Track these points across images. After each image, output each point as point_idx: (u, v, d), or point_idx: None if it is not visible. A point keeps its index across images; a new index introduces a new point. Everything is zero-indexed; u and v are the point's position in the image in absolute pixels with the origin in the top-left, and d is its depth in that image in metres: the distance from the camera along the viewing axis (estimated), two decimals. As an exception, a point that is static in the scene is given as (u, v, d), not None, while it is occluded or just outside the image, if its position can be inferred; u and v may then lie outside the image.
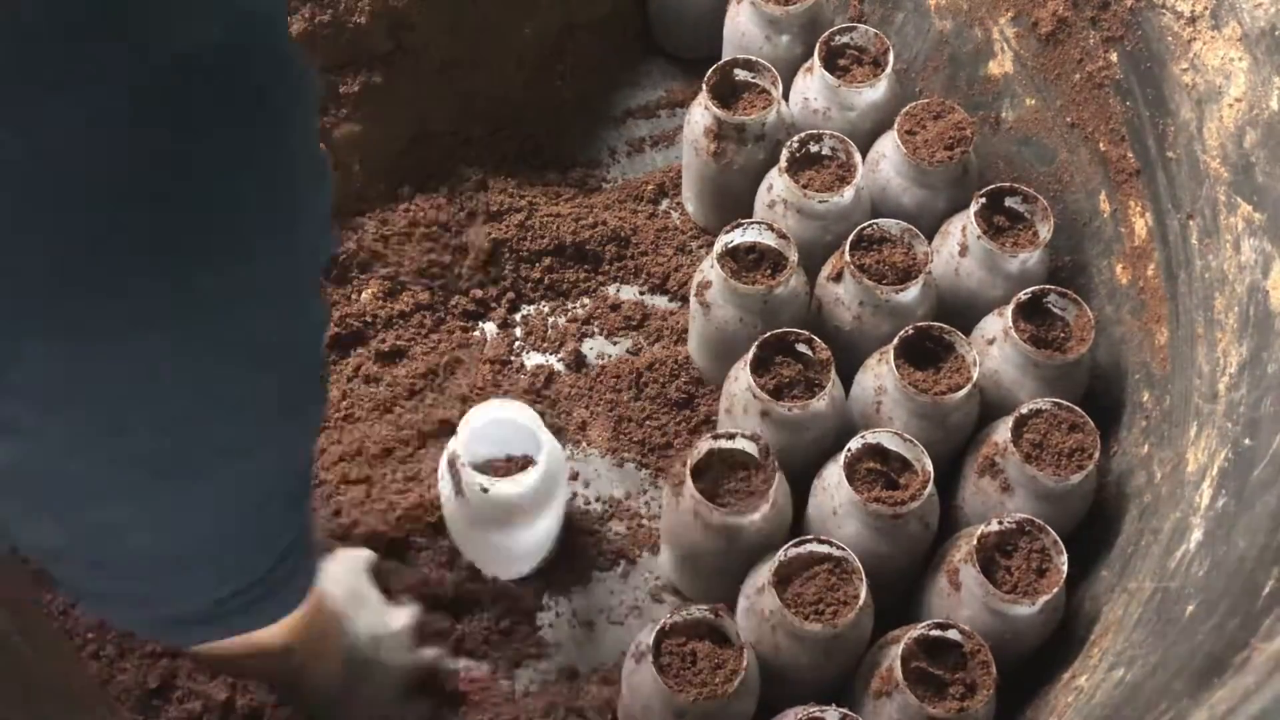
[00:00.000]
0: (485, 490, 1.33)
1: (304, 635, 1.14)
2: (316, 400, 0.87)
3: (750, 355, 1.39)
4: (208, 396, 0.73)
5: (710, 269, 1.49)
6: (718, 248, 1.49)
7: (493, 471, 1.43)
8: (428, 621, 1.42)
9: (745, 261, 1.50)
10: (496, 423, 1.41)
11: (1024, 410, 1.35)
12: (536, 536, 1.45)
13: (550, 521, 1.45)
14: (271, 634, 1.07)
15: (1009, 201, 1.51)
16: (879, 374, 1.41)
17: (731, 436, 1.34)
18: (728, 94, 1.63)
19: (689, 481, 1.31)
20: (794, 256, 1.47)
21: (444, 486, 1.41)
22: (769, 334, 1.41)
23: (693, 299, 1.54)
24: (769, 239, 1.49)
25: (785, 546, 1.27)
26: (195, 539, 0.82)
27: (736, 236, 1.50)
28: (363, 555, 1.41)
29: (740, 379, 1.40)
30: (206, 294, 0.67)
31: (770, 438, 1.36)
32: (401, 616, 1.38)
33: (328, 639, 1.25)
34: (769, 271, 1.49)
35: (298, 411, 0.83)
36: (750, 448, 1.34)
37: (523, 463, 1.44)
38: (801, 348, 1.41)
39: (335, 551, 1.39)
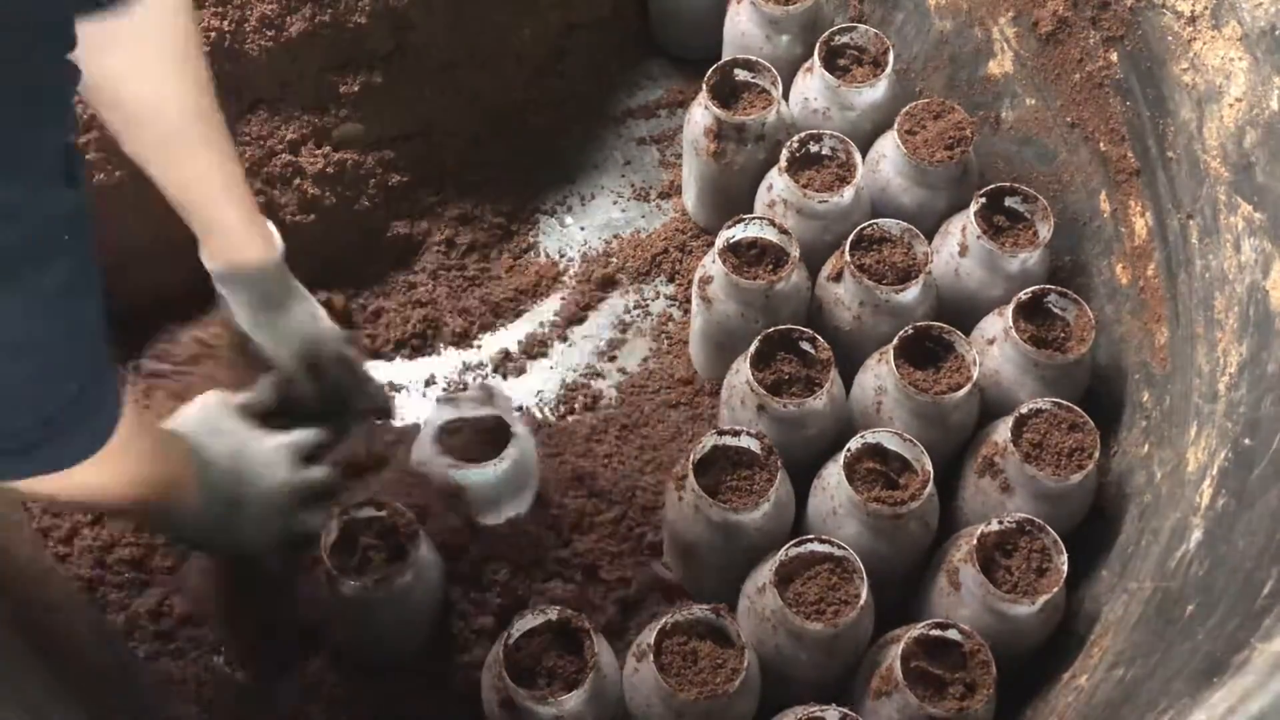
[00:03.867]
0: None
1: (150, 481, 1.18)
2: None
3: (753, 349, 1.40)
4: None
5: (712, 264, 1.50)
6: (719, 243, 1.49)
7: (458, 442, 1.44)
8: (307, 439, 1.42)
9: (747, 257, 1.51)
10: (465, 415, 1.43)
11: (1024, 410, 1.35)
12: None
13: (521, 508, 1.47)
14: (114, 484, 1.12)
15: (1009, 201, 1.51)
16: (879, 374, 1.42)
17: (736, 434, 1.34)
18: (728, 94, 1.63)
19: (690, 476, 1.31)
20: (795, 252, 1.47)
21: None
22: (772, 329, 1.41)
23: (694, 294, 1.54)
24: (770, 234, 1.50)
25: (786, 546, 1.27)
26: None
27: (738, 232, 1.50)
28: (216, 396, 1.40)
29: (741, 372, 1.41)
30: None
31: (767, 433, 1.36)
32: (272, 438, 1.39)
33: (178, 477, 1.26)
34: (770, 267, 1.49)
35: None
36: (754, 446, 1.34)
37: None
38: (805, 345, 1.42)
39: (192, 399, 1.40)
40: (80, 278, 0.87)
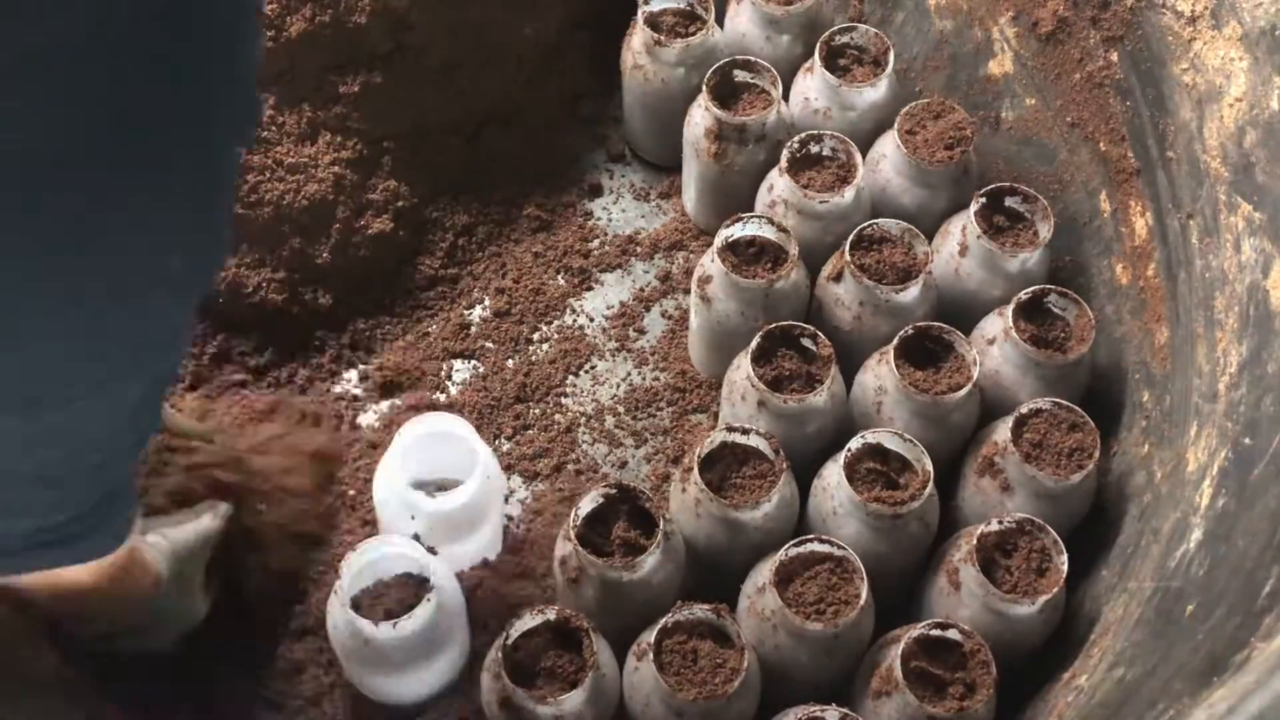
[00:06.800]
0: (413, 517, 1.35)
1: (112, 583, 1.16)
2: (173, 350, 0.89)
3: (754, 345, 1.40)
4: (61, 327, 0.75)
5: (711, 263, 1.50)
6: (718, 242, 1.49)
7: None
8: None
9: (745, 255, 1.51)
10: (431, 437, 1.40)
11: (1024, 410, 1.35)
12: (476, 546, 1.45)
13: (486, 533, 1.45)
14: (77, 574, 1.11)
15: (1009, 201, 1.51)
16: (879, 374, 1.42)
17: (746, 432, 1.34)
18: (728, 95, 1.63)
19: (695, 471, 1.31)
20: (794, 250, 1.47)
21: (380, 500, 1.42)
22: (773, 325, 1.41)
23: (693, 293, 1.54)
24: (769, 233, 1.50)
25: (786, 546, 1.27)
26: (18, 470, 0.85)
27: (737, 230, 1.50)
28: (202, 531, 1.35)
29: (742, 367, 1.41)
30: (82, 227, 0.70)
31: (768, 429, 1.36)
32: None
33: (135, 592, 1.23)
34: (769, 265, 1.49)
35: (151, 360, 0.86)
36: (763, 445, 1.34)
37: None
38: (805, 342, 1.42)
39: (173, 516, 1.34)
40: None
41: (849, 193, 1.51)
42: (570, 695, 1.19)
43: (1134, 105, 1.43)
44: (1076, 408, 1.36)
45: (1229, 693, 0.91)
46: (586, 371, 1.68)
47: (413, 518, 1.36)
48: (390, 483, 1.38)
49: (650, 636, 1.24)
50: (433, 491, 1.38)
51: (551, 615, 1.25)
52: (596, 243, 1.78)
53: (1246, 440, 1.15)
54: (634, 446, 1.62)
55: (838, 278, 1.48)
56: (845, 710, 1.21)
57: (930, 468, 1.32)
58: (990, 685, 1.21)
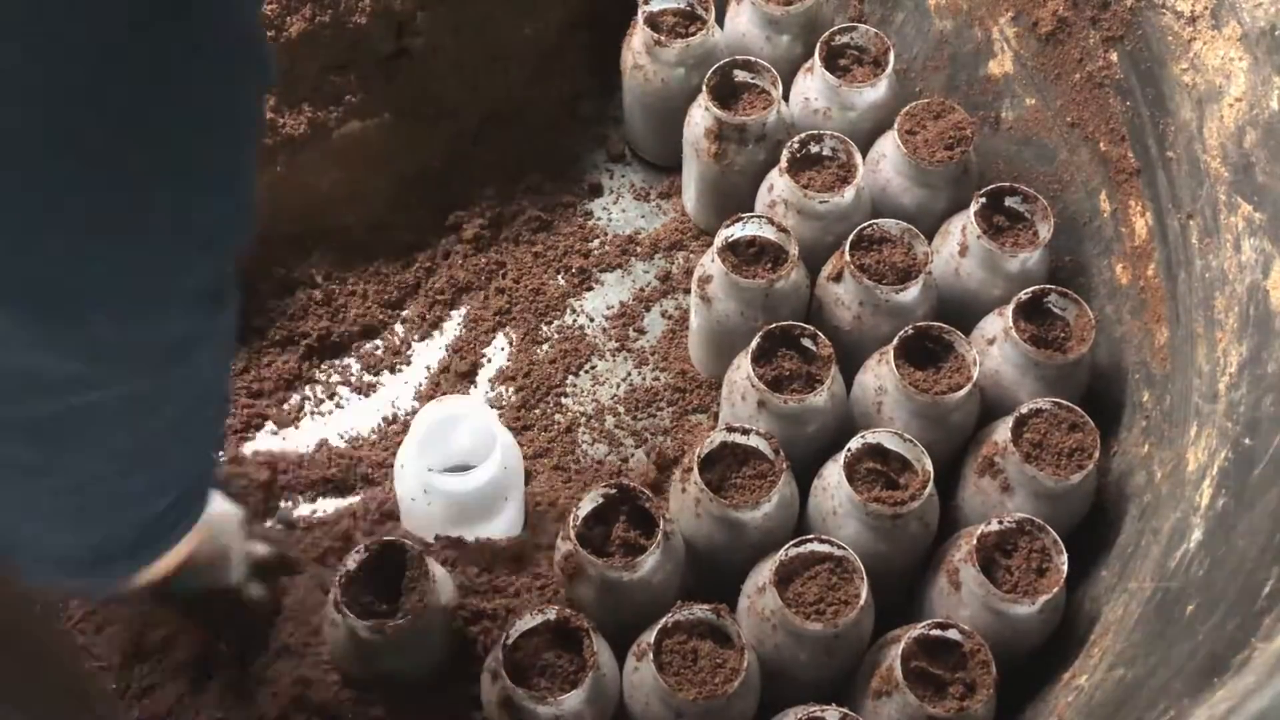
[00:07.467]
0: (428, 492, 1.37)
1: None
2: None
3: (754, 345, 1.40)
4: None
5: (711, 263, 1.50)
6: (718, 242, 1.49)
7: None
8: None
9: (745, 255, 1.51)
10: (449, 421, 1.42)
11: (1024, 410, 1.35)
12: (495, 531, 1.46)
13: (508, 517, 1.46)
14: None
15: (1009, 201, 1.51)
16: (879, 374, 1.42)
17: (746, 432, 1.34)
18: (728, 95, 1.63)
19: (695, 471, 1.32)
20: (794, 250, 1.47)
21: (401, 486, 1.43)
22: (773, 325, 1.41)
23: (693, 293, 1.54)
24: (769, 233, 1.50)
25: (786, 546, 1.27)
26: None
27: (737, 230, 1.50)
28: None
29: (742, 367, 1.41)
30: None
31: (768, 429, 1.36)
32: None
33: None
34: (769, 265, 1.49)
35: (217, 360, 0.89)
36: (763, 445, 1.34)
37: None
38: (805, 342, 1.42)
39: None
40: (208, 392, 0.91)
41: (849, 193, 1.51)
42: (570, 695, 1.19)
43: (1134, 105, 1.43)
44: (1076, 408, 1.36)
45: (1229, 693, 0.91)
46: (586, 371, 1.68)
47: (430, 503, 1.38)
48: (409, 466, 1.40)
49: (650, 636, 1.24)
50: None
51: (551, 615, 1.25)
52: (596, 243, 1.78)
53: (1246, 440, 1.15)
54: (634, 446, 1.62)
55: (838, 278, 1.48)
56: (845, 710, 1.21)
57: (930, 468, 1.32)
58: (990, 685, 1.21)
